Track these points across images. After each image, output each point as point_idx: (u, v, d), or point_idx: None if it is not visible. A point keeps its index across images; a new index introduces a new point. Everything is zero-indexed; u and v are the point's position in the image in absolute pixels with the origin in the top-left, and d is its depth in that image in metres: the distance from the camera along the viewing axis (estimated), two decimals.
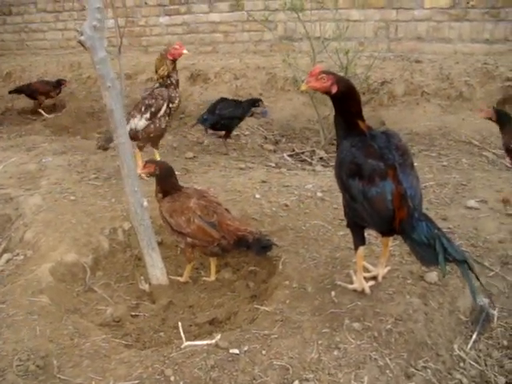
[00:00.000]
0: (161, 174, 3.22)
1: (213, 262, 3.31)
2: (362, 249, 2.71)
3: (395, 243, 3.24)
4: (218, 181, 4.39)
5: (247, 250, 3.10)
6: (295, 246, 3.26)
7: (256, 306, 2.81)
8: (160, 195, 3.27)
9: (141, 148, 4.55)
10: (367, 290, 2.73)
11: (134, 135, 4.47)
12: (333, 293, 2.74)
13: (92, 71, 8.34)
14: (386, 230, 2.53)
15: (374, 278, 2.85)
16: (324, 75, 2.53)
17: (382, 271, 2.85)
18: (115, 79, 2.75)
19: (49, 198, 4.19)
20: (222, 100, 5.77)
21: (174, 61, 4.33)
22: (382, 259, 2.84)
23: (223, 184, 4.29)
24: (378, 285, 2.80)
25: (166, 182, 3.25)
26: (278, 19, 8.30)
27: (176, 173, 4.53)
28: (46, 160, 5.06)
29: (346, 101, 2.55)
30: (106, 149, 4.67)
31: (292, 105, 7.13)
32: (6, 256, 3.70)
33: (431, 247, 2.31)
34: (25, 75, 8.95)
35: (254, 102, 5.90)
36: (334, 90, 2.52)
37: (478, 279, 2.38)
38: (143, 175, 4.33)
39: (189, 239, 3.11)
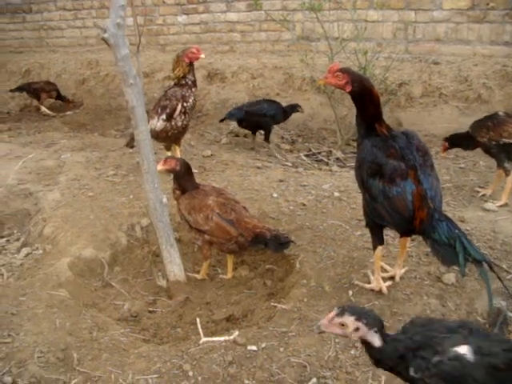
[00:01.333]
0: (180, 171, 3.24)
1: (230, 260, 3.33)
2: (380, 248, 2.73)
3: (413, 244, 3.24)
4: (236, 179, 4.40)
5: (265, 246, 3.10)
6: (313, 245, 3.27)
7: (273, 303, 2.82)
8: (178, 192, 3.29)
9: (167, 148, 4.59)
10: (384, 290, 2.74)
11: (154, 135, 4.51)
12: (350, 292, 2.75)
13: (110, 69, 8.44)
14: (406, 230, 2.55)
15: (392, 278, 2.85)
16: (340, 73, 2.56)
17: (399, 271, 2.85)
18: (137, 76, 2.77)
19: (67, 194, 4.25)
20: (262, 100, 5.91)
21: (190, 63, 4.35)
22: (400, 260, 2.85)
23: (240, 183, 4.31)
24: (396, 285, 2.80)
25: (184, 179, 3.27)
26: (296, 19, 8.30)
27: (193, 171, 4.63)
28: (65, 156, 5.11)
29: (361, 101, 2.58)
30: (133, 146, 4.70)
31: (309, 105, 7.11)
32: (25, 250, 3.77)
33: (451, 247, 2.34)
34: (43, 72, 9.03)
35: (294, 107, 5.96)
36: (348, 89, 2.56)
37: (501, 280, 2.42)
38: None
39: (207, 236, 3.13)
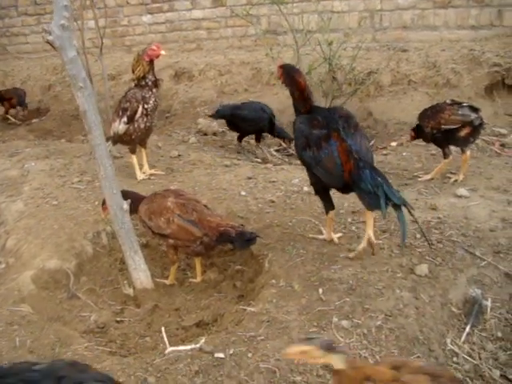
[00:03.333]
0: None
1: (198, 263, 3.23)
2: (332, 213, 3.10)
3: (384, 236, 3.17)
4: (203, 179, 4.30)
5: (231, 244, 3.03)
6: (282, 242, 3.18)
7: (242, 307, 2.72)
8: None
9: (132, 151, 4.45)
10: (336, 240, 3.12)
11: (118, 139, 4.40)
12: (320, 290, 2.66)
13: None
14: (342, 186, 2.87)
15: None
16: (279, 68, 3.13)
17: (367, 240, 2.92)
18: (87, 79, 2.65)
19: (31, 204, 4.10)
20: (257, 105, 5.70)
21: (151, 62, 4.21)
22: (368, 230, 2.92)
23: (208, 182, 4.20)
24: (367, 280, 2.72)
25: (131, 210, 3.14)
26: (262, 13, 8.22)
27: (161, 173, 4.52)
28: (29, 165, 4.95)
29: (290, 89, 3.05)
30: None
31: (278, 99, 7.00)
32: None
33: (375, 194, 2.64)
34: (7, 80, 8.81)
35: None
36: (281, 80, 3.12)
37: (417, 222, 2.88)
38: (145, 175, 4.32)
39: (171, 240, 3.02)
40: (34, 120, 7.72)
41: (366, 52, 6.84)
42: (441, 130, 3.94)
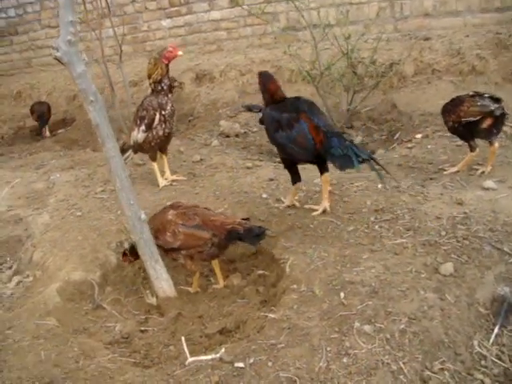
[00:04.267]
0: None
1: (216, 268, 3.22)
2: (298, 184, 3.62)
3: (408, 234, 3.09)
4: (225, 183, 4.28)
5: (240, 241, 3.05)
6: (303, 245, 3.13)
7: (264, 313, 2.69)
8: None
9: (153, 158, 4.47)
10: (296, 204, 3.65)
11: (138, 147, 4.42)
12: (342, 294, 2.61)
13: (99, 81, 8.34)
14: (315, 157, 3.32)
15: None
16: (258, 75, 3.82)
17: (327, 204, 3.46)
18: (97, 93, 2.65)
19: (56, 216, 4.17)
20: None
21: (167, 64, 4.22)
22: (324, 194, 3.47)
23: (230, 186, 4.18)
24: (391, 282, 2.65)
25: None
26: (280, 10, 8.15)
27: (182, 178, 4.53)
28: (54, 177, 5.04)
29: (264, 90, 3.70)
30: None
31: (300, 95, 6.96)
32: (16, 278, 3.70)
33: (346, 155, 3.06)
34: (34, 92, 8.99)
35: None
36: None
37: (384, 172, 3.18)
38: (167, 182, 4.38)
39: (183, 252, 3.03)
40: (59, 130, 7.85)
41: (388, 43, 6.68)
42: (461, 123, 3.83)
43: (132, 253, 3.19)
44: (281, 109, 3.47)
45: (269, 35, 8.38)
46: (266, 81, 3.70)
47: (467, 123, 3.78)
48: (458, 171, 3.94)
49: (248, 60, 7.80)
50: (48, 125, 7.79)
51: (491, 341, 2.37)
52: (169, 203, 3.37)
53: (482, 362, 2.27)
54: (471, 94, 3.90)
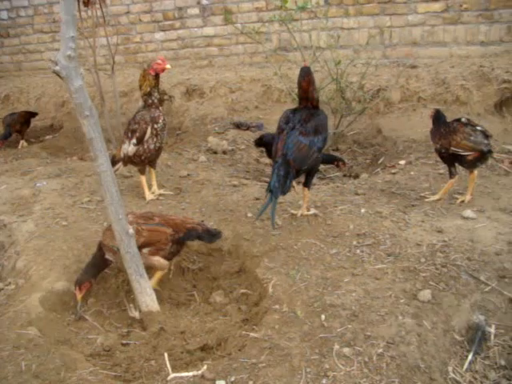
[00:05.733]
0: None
1: (157, 274, 3.34)
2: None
3: (388, 260, 3.18)
4: (211, 200, 4.34)
5: (199, 239, 3.31)
6: (286, 266, 3.20)
7: (245, 332, 2.74)
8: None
9: (142, 171, 4.51)
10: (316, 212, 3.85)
11: (128, 160, 4.46)
12: (323, 316, 2.68)
13: (89, 90, 8.33)
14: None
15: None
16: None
17: (303, 211, 3.83)
18: (93, 107, 2.71)
19: (41, 224, 4.17)
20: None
21: (156, 76, 4.27)
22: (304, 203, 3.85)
23: (216, 203, 4.24)
24: (370, 306, 2.73)
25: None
26: (273, 30, 8.30)
27: (169, 193, 4.57)
28: (41, 184, 5.03)
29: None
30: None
31: None
32: None
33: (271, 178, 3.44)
34: (22, 97, 8.96)
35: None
36: None
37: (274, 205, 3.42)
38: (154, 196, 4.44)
39: (146, 250, 3.16)
40: (47, 137, 7.84)
41: (376, 69, 6.85)
42: (449, 151, 3.94)
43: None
44: (285, 117, 3.73)
45: (260, 54, 8.51)
46: (301, 77, 3.77)
47: (453, 153, 3.89)
48: (439, 199, 4.06)
49: (238, 78, 7.91)
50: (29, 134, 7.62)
51: (465, 367, 2.46)
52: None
53: None
54: (464, 121, 3.99)
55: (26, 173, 5.56)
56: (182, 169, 5.33)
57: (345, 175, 5.69)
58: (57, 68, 2.53)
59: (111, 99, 7.20)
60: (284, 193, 3.44)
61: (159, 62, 4.29)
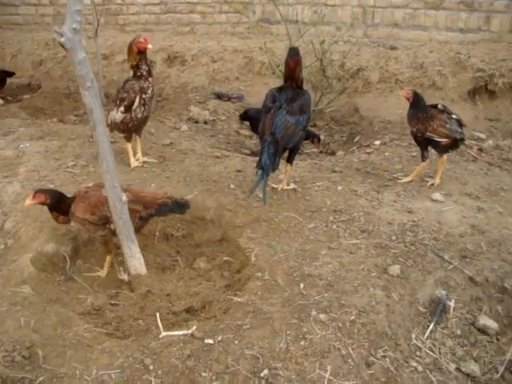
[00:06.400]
0: (52, 203, 3.25)
1: (109, 257, 3.44)
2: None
3: (362, 236, 3.44)
4: (194, 170, 4.50)
5: (171, 213, 3.44)
6: (267, 238, 3.42)
7: (230, 296, 2.97)
8: (62, 217, 3.33)
9: (128, 139, 4.61)
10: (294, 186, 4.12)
11: (115, 127, 4.56)
12: (301, 285, 2.92)
13: None
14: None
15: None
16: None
17: (283, 185, 4.06)
18: (94, 79, 2.82)
19: (27, 186, 4.25)
20: None
21: (140, 52, 4.35)
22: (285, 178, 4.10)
23: (199, 173, 4.40)
24: (345, 277, 2.99)
25: (60, 206, 3.28)
26: (257, 1, 8.33)
27: (153, 160, 4.70)
28: (24, 145, 5.08)
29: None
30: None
31: (268, 89, 7.19)
32: None
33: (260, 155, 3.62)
34: None
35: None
36: None
37: (265, 183, 3.64)
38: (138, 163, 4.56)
39: (112, 226, 3.24)
40: (25, 96, 7.77)
41: (357, 48, 7.01)
42: (425, 136, 4.17)
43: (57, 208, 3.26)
44: (271, 95, 3.89)
45: (243, 24, 8.56)
46: (289, 57, 3.92)
47: (428, 137, 4.13)
48: (411, 181, 4.32)
49: (221, 47, 7.97)
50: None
51: (426, 335, 2.75)
52: (91, 183, 3.49)
53: (417, 353, 2.64)
54: (440, 107, 4.21)
55: (8, 133, 5.57)
56: (164, 137, 5.44)
57: (321, 151, 5.90)
58: (62, 40, 2.62)
59: (91, 61, 7.13)
60: (274, 170, 3.63)
61: (141, 40, 4.35)
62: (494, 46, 7.27)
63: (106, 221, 3.24)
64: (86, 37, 6.94)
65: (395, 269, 3.06)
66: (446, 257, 3.24)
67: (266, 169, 3.53)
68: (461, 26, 7.46)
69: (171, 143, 5.27)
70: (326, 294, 2.84)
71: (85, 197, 3.27)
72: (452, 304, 2.93)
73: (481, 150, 5.37)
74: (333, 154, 5.74)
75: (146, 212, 3.33)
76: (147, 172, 4.51)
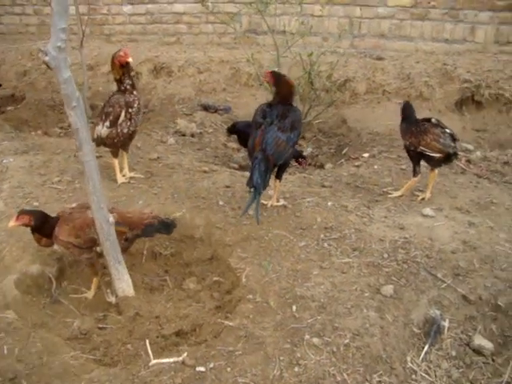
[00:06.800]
0: (36, 224, 3.14)
1: (96, 279, 3.35)
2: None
3: (354, 254, 3.39)
4: (182, 185, 4.43)
5: (158, 233, 3.35)
6: (258, 257, 3.36)
7: (221, 320, 2.90)
8: (44, 239, 3.21)
9: (114, 154, 4.53)
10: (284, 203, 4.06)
11: (101, 142, 4.48)
12: (294, 307, 2.86)
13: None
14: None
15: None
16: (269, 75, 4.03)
17: (273, 202, 4.00)
18: (80, 98, 2.75)
19: (11, 204, 4.15)
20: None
21: (122, 66, 4.28)
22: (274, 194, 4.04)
23: (187, 189, 4.33)
24: (337, 299, 2.94)
25: (44, 228, 3.17)
26: (244, 12, 8.29)
27: (140, 176, 4.62)
28: (7, 161, 4.97)
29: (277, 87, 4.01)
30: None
31: (255, 101, 7.14)
32: None
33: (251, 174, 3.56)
34: None
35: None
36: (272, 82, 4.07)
37: (258, 202, 3.61)
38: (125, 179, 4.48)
39: (98, 248, 3.15)
40: (8, 108, 7.64)
41: (344, 59, 7.00)
42: (416, 150, 4.14)
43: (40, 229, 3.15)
44: (262, 111, 3.84)
45: (229, 35, 8.52)
46: (282, 78, 3.96)
47: (420, 152, 4.10)
48: (401, 195, 4.30)
49: (207, 58, 7.92)
50: None
51: (421, 358, 2.70)
52: (75, 204, 3.38)
53: (413, 376, 2.59)
54: (434, 121, 4.19)
55: None
56: (151, 151, 5.37)
57: (309, 164, 5.87)
58: (46, 58, 2.55)
59: (76, 72, 7.06)
60: (265, 188, 3.59)
61: (121, 54, 4.29)
62: (480, 56, 7.32)
63: (91, 243, 3.15)
64: (70, 47, 6.87)
65: (388, 289, 3.02)
66: (439, 275, 3.20)
67: (257, 187, 3.50)
68: (446, 37, 7.50)
69: (158, 157, 5.20)
70: (318, 317, 2.79)
71: (69, 219, 3.17)
72: (446, 324, 2.88)
73: (469, 161, 5.37)
74: (321, 166, 5.71)
75: (131, 233, 3.24)
76: (134, 188, 4.43)
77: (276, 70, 4.45)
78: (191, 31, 8.79)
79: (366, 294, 2.99)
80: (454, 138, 4.12)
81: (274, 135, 3.64)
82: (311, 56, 5.83)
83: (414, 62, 7.23)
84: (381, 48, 7.83)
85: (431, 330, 2.82)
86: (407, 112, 4.32)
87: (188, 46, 8.66)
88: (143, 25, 8.99)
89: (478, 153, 5.55)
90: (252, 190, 3.54)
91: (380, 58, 7.53)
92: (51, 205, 4.14)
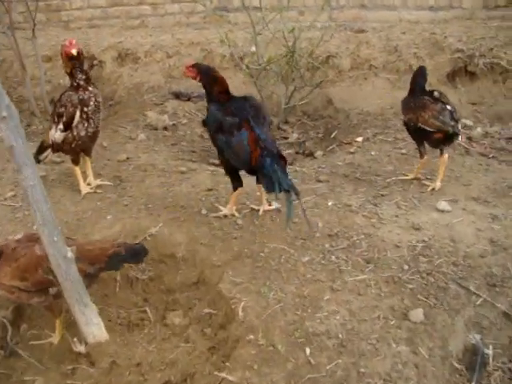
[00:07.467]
0: None
1: (59, 320, 2.79)
2: (239, 189, 3.41)
3: (368, 268, 2.85)
4: (157, 192, 3.82)
5: (125, 263, 2.82)
6: (255, 281, 2.79)
7: (217, 373, 2.33)
8: None
9: (75, 161, 3.88)
10: (236, 215, 3.41)
11: (57, 148, 3.84)
12: (308, 350, 2.31)
13: (7, 53, 7.29)
14: (249, 169, 3.23)
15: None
16: (191, 68, 3.38)
17: (265, 207, 3.47)
18: (12, 106, 2.11)
19: None
20: None
21: (71, 58, 3.62)
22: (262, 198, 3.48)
23: (163, 197, 3.73)
24: (359, 332, 2.40)
25: None
26: None
27: (108, 183, 4.00)
28: None
29: (209, 85, 3.32)
30: (40, 161, 3.95)
31: (232, 84, 6.40)
32: None
33: (271, 180, 2.98)
34: None
35: None
36: (198, 79, 3.36)
37: (303, 208, 3.12)
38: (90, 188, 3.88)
39: (54, 289, 2.58)
40: None
41: (324, 33, 6.38)
42: (416, 125, 3.70)
43: None
44: (225, 110, 3.22)
45: (198, 14, 7.85)
46: (210, 72, 3.39)
47: (421, 128, 3.66)
48: (414, 178, 3.86)
49: (176, 41, 7.22)
50: None
51: None
52: (19, 235, 2.74)
53: None
54: (436, 95, 3.73)
55: None
56: (119, 151, 4.73)
57: (297, 152, 5.32)
58: None
59: (33, 65, 6.36)
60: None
61: (66, 44, 3.63)
62: (469, 23, 6.80)
63: (44, 285, 2.55)
64: (23, 35, 6.14)
65: (418, 313, 2.49)
66: (472, 287, 2.69)
67: (294, 188, 2.98)
68: (431, 4, 6.96)
69: (128, 158, 4.56)
70: (339, 360, 2.25)
71: (12, 257, 2.54)
72: (490, 352, 2.38)
73: (470, 138, 4.89)
74: (311, 154, 5.15)
75: (93, 268, 2.64)
76: (101, 199, 3.80)
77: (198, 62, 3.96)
78: (156, 12, 8.07)
79: (392, 322, 2.46)
80: (453, 117, 3.62)
81: (263, 130, 3.15)
82: (293, 31, 5.20)
83: (400, 32, 6.66)
84: (362, 19, 7.25)
85: (475, 364, 2.31)
86: (414, 81, 3.86)
87: (154, 28, 7.95)
88: (103, 8, 8.21)
89: (479, 129, 5.08)
90: (286, 194, 2.96)
91: (362, 31, 6.93)
92: (4, 227, 3.52)
